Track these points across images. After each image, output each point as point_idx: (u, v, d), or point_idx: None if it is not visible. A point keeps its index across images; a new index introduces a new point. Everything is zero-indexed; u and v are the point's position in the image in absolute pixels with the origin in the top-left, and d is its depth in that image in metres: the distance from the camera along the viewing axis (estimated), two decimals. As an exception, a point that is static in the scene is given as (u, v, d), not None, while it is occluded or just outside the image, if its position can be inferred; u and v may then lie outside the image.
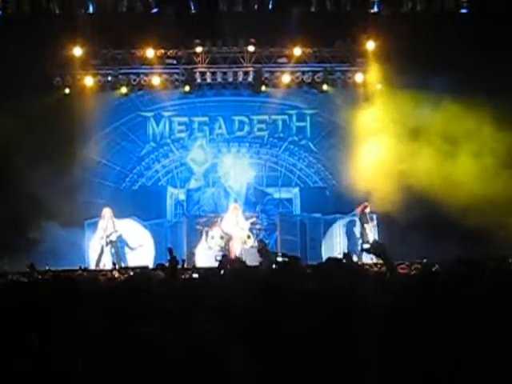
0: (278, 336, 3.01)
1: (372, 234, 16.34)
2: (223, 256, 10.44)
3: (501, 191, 15.55)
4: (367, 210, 16.48)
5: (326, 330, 3.16)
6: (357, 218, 16.76)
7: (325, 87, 18.11)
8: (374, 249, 5.03)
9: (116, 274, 11.34)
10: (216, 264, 11.48)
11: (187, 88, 18.06)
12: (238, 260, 12.08)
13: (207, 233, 16.84)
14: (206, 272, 10.02)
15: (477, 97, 15.06)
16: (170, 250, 8.53)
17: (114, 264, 14.23)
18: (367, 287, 3.87)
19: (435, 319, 3.46)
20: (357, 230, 16.72)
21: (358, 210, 16.55)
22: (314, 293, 3.37)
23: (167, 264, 7.36)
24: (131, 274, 10.11)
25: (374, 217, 16.37)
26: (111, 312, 3.70)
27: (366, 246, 4.84)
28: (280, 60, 18.12)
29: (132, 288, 4.57)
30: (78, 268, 11.89)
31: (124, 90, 17.94)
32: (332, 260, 4.21)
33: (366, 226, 16.41)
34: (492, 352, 3.06)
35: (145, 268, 12.55)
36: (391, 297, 3.89)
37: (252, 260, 13.78)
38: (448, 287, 4.15)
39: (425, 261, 13.40)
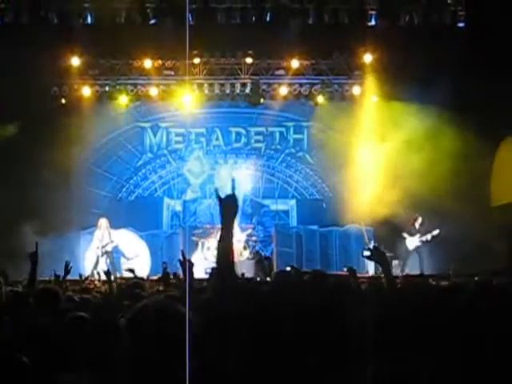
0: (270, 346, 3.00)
1: (415, 245, 16.27)
2: (212, 269, 10.45)
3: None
4: (417, 223, 16.38)
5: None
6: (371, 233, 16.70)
7: (322, 99, 18.13)
8: (375, 256, 4.95)
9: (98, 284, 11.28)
10: (206, 276, 11.50)
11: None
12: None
13: (203, 244, 16.83)
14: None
15: (473, 110, 15.13)
16: (165, 267, 8.74)
17: (98, 274, 14.05)
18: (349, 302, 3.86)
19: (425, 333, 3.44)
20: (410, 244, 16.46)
21: (409, 223, 16.40)
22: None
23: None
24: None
25: (435, 232, 15.97)
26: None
27: (367, 253, 4.73)
28: (277, 72, 18.15)
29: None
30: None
31: (122, 100, 17.95)
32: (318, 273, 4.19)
33: (411, 238, 16.36)
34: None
35: (140, 279, 12.48)
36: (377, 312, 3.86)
37: (247, 272, 13.79)
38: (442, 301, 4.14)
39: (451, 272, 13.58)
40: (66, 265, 7.50)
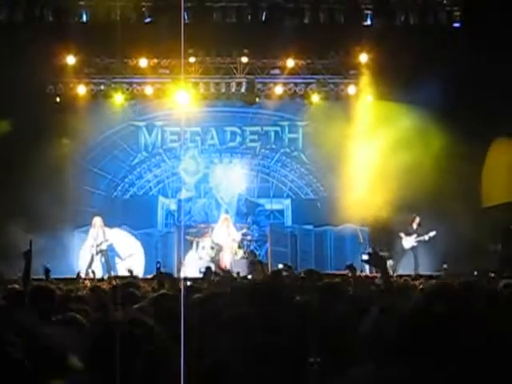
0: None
1: (411, 245, 16.28)
2: (207, 268, 10.46)
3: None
4: (415, 224, 16.36)
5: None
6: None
7: (317, 99, 18.13)
8: (373, 260, 4.91)
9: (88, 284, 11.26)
10: (200, 275, 11.49)
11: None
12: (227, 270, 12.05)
13: (198, 243, 16.80)
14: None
15: (467, 111, 15.17)
16: (158, 267, 8.76)
17: (93, 272, 14.02)
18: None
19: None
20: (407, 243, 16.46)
21: (407, 223, 16.39)
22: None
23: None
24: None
25: (432, 233, 15.89)
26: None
27: (365, 257, 4.67)
28: (273, 71, 18.15)
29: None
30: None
31: (117, 99, 17.92)
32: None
33: (408, 237, 16.33)
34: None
35: (134, 278, 12.46)
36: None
37: (242, 271, 13.80)
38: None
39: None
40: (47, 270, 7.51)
